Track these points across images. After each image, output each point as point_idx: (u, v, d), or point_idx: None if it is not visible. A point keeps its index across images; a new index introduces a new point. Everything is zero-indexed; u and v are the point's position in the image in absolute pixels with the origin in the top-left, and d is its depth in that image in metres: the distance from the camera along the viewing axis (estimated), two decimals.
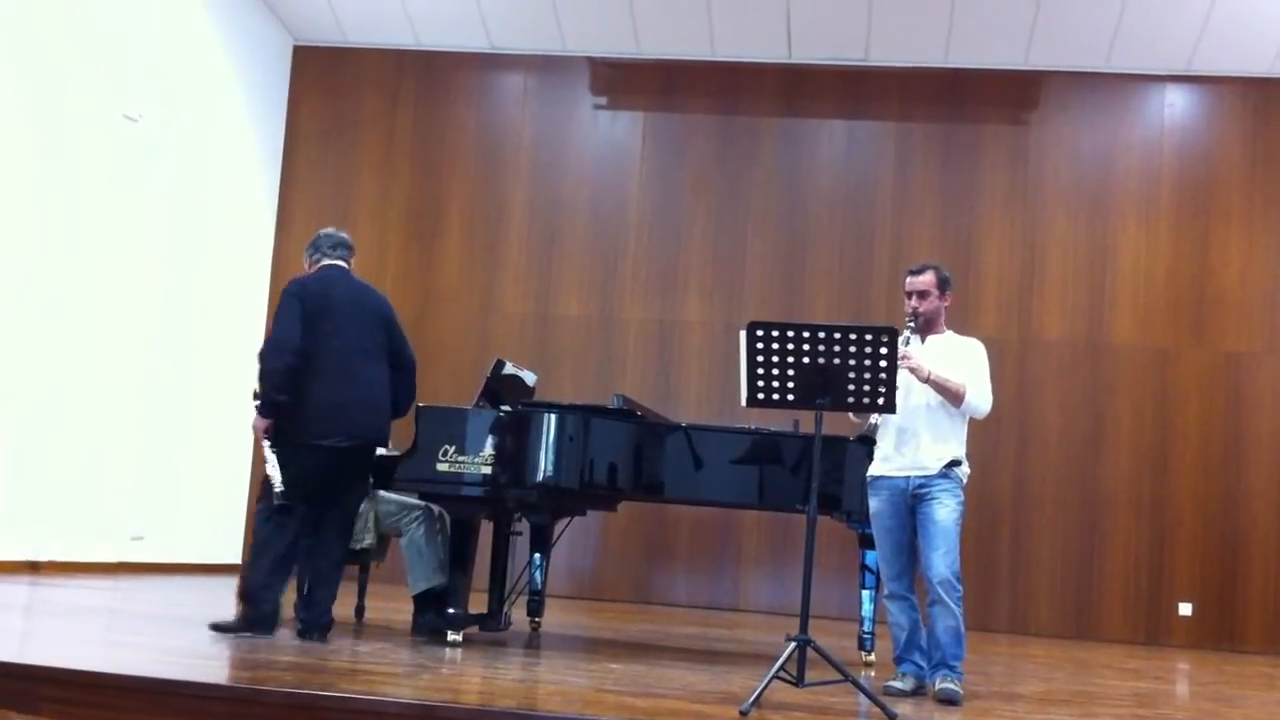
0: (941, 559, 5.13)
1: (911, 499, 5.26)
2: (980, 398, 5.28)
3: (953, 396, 5.22)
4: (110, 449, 9.33)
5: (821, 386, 4.81)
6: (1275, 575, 10.38)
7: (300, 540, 5.73)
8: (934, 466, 5.23)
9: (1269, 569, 10.37)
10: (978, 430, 10.54)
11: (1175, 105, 11.01)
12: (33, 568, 8.64)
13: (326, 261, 5.98)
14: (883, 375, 4.80)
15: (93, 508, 9.17)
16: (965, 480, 5.30)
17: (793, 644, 4.67)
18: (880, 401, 4.84)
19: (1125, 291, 10.83)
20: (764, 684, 4.42)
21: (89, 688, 4.01)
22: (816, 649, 4.67)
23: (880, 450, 5.38)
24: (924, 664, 5.33)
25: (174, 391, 10.05)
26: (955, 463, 5.24)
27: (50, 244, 8.74)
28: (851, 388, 4.81)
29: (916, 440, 5.25)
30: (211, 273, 10.51)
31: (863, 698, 4.74)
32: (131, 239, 9.59)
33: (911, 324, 5.32)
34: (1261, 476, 10.47)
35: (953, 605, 5.11)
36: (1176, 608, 10.40)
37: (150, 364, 9.70)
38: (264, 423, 5.66)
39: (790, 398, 4.87)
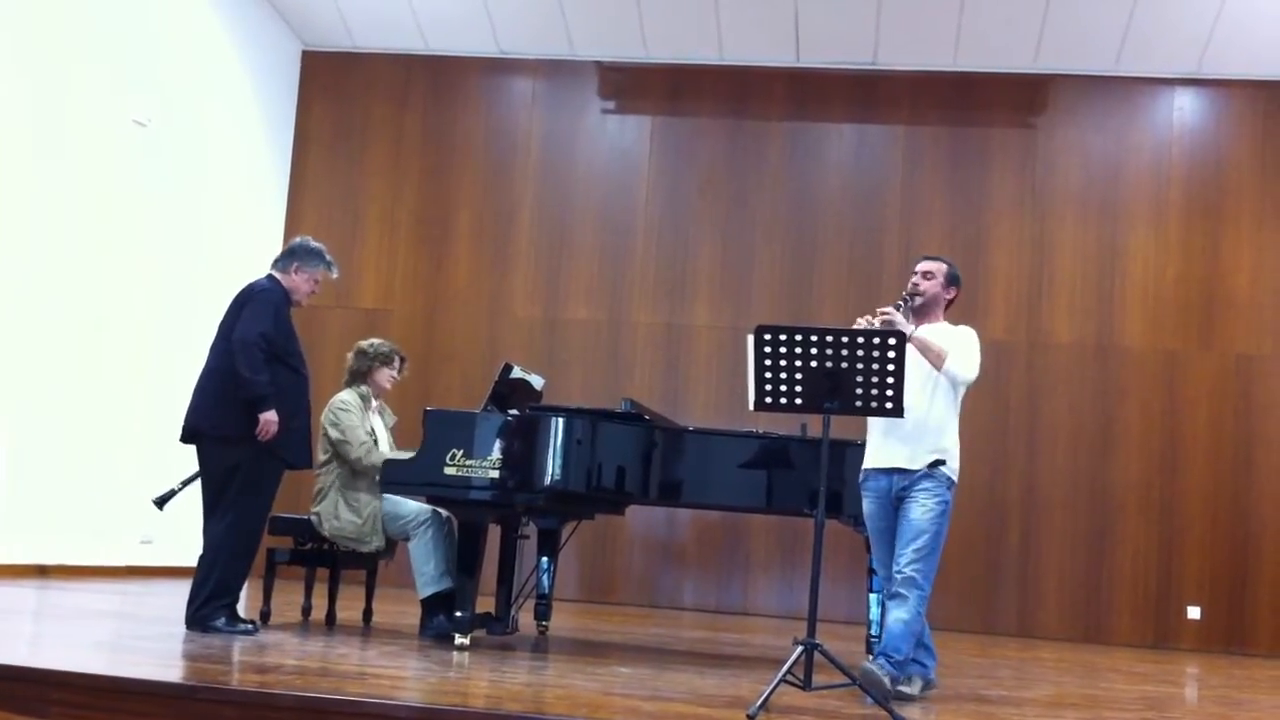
0: (905, 555, 5.10)
1: (896, 500, 5.24)
2: (961, 364, 5.21)
3: (934, 358, 5.19)
4: (118, 453, 9.35)
5: (829, 390, 4.80)
6: None
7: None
8: (917, 465, 5.19)
9: (1279, 572, 10.34)
10: (986, 432, 10.51)
11: (1184, 108, 10.99)
12: (41, 571, 8.66)
13: None
14: (890, 379, 4.79)
15: (101, 511, 9.19)
16: (954, 477, 5.25)
17: (800, 648, 4.67)
18: (888, 405, 4.83)
19: (1135, 294, 10.80)
20: (771, 688, 4.42)
21: (98, 692, 4.02)
22: (824, 653, 4.67)
23: (870, 442, 5.37)
24: (929, 664, 5.33)
25: (180, 396, 10.02)
26: (939, 462, 5.21)
27: (59, 248, 8.77)
28: (859, 391, 4.80)
29: (902, 429, 5.19)
30: (220, 277, 10.49)
31: (870, 701, 4.73)
32: (140, 243, 9.62)
33: (906, 299, 5.30)
34: (1271, 480, 10.43)
35: (911, 601, 5.06)
36: (1185, 611, 10.37)
37: (156, 368, 9.71)
38: None
39: (798, 401, 4.86)
